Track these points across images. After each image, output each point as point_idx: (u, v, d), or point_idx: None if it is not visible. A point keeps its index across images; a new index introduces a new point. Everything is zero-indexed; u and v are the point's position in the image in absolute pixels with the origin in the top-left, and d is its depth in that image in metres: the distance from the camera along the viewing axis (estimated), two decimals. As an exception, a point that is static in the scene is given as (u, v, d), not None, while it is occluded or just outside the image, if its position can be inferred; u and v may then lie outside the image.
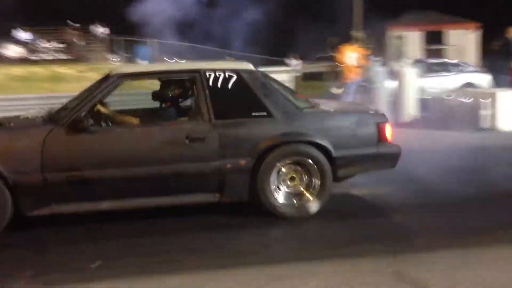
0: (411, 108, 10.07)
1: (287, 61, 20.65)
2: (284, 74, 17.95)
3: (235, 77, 4.64)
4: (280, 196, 4.55)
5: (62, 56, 22.36)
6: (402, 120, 9.75)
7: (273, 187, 4.51)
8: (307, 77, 21.24)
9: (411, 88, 10.13)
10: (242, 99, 4.62)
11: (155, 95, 5.27)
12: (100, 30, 23.59)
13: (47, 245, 4.14)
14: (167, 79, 5.14)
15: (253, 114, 4.55)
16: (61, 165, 4.26)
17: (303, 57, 23.24)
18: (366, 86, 9.94)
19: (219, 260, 3.67)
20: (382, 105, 9.16)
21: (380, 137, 4.71)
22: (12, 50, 21.66)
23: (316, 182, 4.57)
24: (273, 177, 4.50)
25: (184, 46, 22.48)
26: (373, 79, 9.81)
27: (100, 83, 4.66)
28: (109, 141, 4.44)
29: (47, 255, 3.94)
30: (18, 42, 22.34)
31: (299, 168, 4.60)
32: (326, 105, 5.27)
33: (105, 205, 4.39)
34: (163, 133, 4.51)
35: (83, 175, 4.28)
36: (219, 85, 4.61)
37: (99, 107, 4.63)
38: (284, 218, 4.50)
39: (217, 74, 4.63)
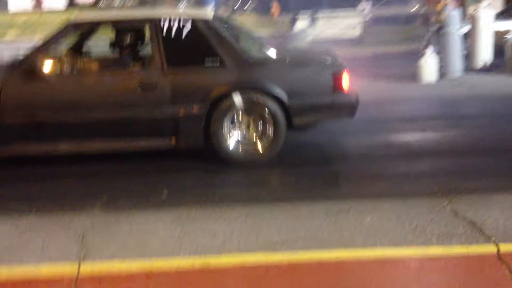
0: (485, 54, 9.42)
1: (360, 4, 19.21)
2: (352, 19, 17.86)
3: (189, 26, 4.64)
4: (233, 143, 4.59)
5: (132, 2, 22.40)
6: (475, 66, 9.39)
7: (226, 134, 4.54)
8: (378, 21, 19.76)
9: (486, 33, 9.39)
10: (195, 47, 4.63)
11: (112, 43, 5.22)
12: None
13: (116, 176, 4.52)
14: (122, 27, 5.06)
15: (206, 62, 4.56)
16: (16, 108, 4.48)
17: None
18: (439, 31, 9.22)
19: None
20: (455, 51, 8.86)
21: (336, 87, 4.65)
22: None
23: (270, 130, 4.58)
24: (226, 124, 4.54)
25: None
26: (446, 23, 9.01)
27: (55, 31, 4.70)
28: (61, 86, 4.56)
29: (117, 185, 4.29)
30: None
31: (253, 116, 4.60)
32: (287, 53, 5.29)
33: (63, 147, 4.53)
34: (116, 80, 4.58)
35: (38, 118, 4.43)
36: (172, 33, 4.61)
37: (59, 54, 4.79)
38: (236, 164, 4.58)
39: (171, 22, 4.62)
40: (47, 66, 4.58)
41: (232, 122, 4.61)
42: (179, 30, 4.63)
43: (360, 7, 18.78)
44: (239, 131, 4.66)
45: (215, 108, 4.52)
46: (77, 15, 4.88)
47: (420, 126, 5.94)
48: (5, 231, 3.37)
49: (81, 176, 4.52)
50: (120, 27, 5.10)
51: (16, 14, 21.43)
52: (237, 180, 4.45)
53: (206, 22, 4.71)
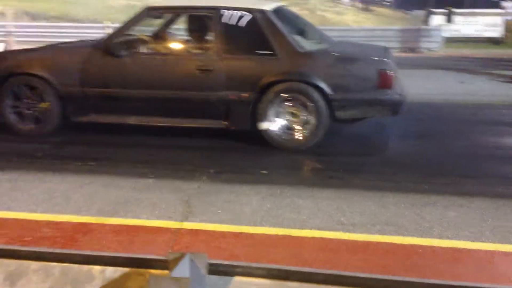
0: None
1: (503, 3, 18.51)
2: (493, 17, 16.96)
3: (247, 16, 4.97)
4: (277, 129, 4.91)
5: None
6: None
7: (271, 119, 4.88)
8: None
9: None
10: (251, 37, 4.97)
11: (181, 29, 5.70)
12: None
13: (225, 152, 4.99)
14: (190, 14, 5.48)
15: (259, 51, 4.91)
16: (94, 82, 5.09)
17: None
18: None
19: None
20: None
21: (381, 84, 4.78)
22: None
23: (312, 120, 4.85)
24: (272, 111, 4.86)
25: None
26: None
27: (133, 16, 5.24)
28: (131, 66, 5.09)
29: (225, 160, 4.75)
30: None
31: (298, 105, 4.86)
32: (340, 47, 5.43)
33: (131, 120, 5.17)
34: (177, 62, 5.07)
35: (111, 92, 5.09)
36: (231, 22, 4.96)
37: (136, 34, 5.36)
38: (278, 148, 4.91)
39: (231, 12, 4.98)
40: (121, 47, 5.11)
41: (278, 108, 4.86)
42: (238, 20, 4.95)
43: (503, 5, 17.68)
44: (284, 118, 4.91)
45: (263, 94, 4.82)
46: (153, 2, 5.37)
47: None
48: (126, 189, 3.95)
49: (196, 149, 5.03)
50: (188, 14, 5.51)
51: None
52: (329, 165, 4.62)
53: (263, 13, 4.97)
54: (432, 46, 15.71)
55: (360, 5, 22.48)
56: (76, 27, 16.94)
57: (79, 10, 21.51)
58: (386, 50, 5.45)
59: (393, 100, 4.89)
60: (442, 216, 3.45)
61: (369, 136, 5.55)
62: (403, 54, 14.59)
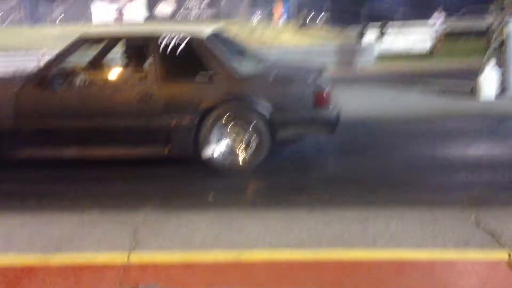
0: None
1: (432, 18, 18.40)
2: (423, 32, 17.57)
3: (184, 43, 5.04)
4: (219, 152, 4.96)
5: (208, 13, 23.66)
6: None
7: (213, 144, 4.92)
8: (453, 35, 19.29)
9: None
10: (188, 63, 5.01)
11: (117, 57, 5.70)
12: None
13: (167, 179, 4.97)
14: (126, 42, 5.51)
15: (197, 77, 4.95)
16: (29, 115, 4.98)
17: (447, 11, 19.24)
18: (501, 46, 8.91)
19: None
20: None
21: (316, 103, 4.96)
22: (164, 7, 23.40)
23: (253, 141, 4.94)
24: (213, 135, 4.90)
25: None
26: (508, 38, 8.81)
27: (68, 46, 5.19)
28: (67, 97, 5.02)
29: (167, 187, 4.72)
30: None
31: (238, 128, 4.95)
32: (276, 69, 5.53)
33: (70, 152, 5.07)
34: (114, 91, 5.05)
35: (48, 125, 4.99)
36: (169, 49, 5.02)
37: (70, 65, 5.26)
38: (223, 171, 4.95)
39: (168, 39, 5.05)
40: (56, 78, 5.01)
41: (220, 132, 4.94)
42: (176, 46, 5.03)
43: (431, 20, 18.56)
44: (226, 141, 4.98)
45: (204, 119, 4.88)
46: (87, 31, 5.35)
47: (465, 141, 6.01)
48: (70, 223, 3.86)
49: (139, 178, 4.99)
50: (124, 43, 5.54)
51: (97, 26, 22.98)
52: (274, 185, 4.72)
53: (199, 40, 5.08)
54: (366, 63, 16.26)
55: (296, 24, 22.99)
56: (8, 57, 16.42)
57: (9, 39, 20.89)
58: (320, 69, 5.63)
59: (329, 118, 5.07)
60: (385, 228, 3.56)
61: (309, 155, 5.68)
62: (338, 72, 15.02)
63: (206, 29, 5.35)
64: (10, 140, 5.06)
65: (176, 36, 5.06)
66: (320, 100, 4.97)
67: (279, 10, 23.87)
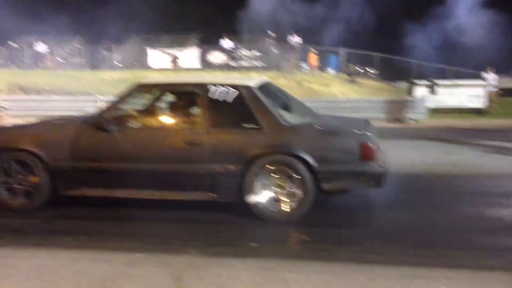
0: None
1: (483, 74, 19.16)
2: (476, 89, 17.52)
3: (233, 92, 5.19)
4: (264, 201, 5.01)
5: (258, 64, 24.37)
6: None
7: (258, 191, 4.98)
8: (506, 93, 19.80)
9: None
10: (237, 111, 5.15)
11: (170, 104, 5.92)
12: (295, 39, 25.18)
13: (213, 224, 5.02)
14: (178, 90, 5.75)
15: (245, 125, 5.06)
16: (85, 156, 5.20)
17: (500, 71, 20.40)
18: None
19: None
20: None
21: (363, 156, 4.96)
22: (216, 57, 24.33)
23: (298, 191, 4.96)
24: (258, 183, 4.98)
25: (373, 56, 23.36)
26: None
27: (124, 91, 5.44)
28: (121, 140, 5.21)
29: (213, 232, 4.79)
30: (222, 49, 24.90)
31: (284, 177, 5.00)
32: (323, 120, 5.65)
33: (120, 193, 5.23)
34: (165, 136, 5.21)
35: (102, 166, 5.19)
36: (217, 98, 5.18)
37: (126, 109, 5.53)
38: (266, 220, 4.97)
39: (218, 88, 5.21)
40: (112, 122, 5.24)
41: (265, 181, 4.99)
42: (224, 95, 5.17)
43: (484, 77, 18.35)
44: (270, 190, 5.03)
45: (250, 167, 4.96)
46: (143, 79, 5.57)
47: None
48: (116, 263, 3.97)
49: (185, 222, 5.07)
50: (176, 91, 5.78)
51: (153, 71, 23.95)
52: (317, 237, 4.66)
53: (248, 89, 5.21)
54: (417, 117, 16.12)
55: (346, 76, 23.17)
56: (69, 101, 17.23)
57: (71, 83, 21.94)
58: (367, 122, 5.66)
59: (376, 172, 5.03)
60: (429, 289, 3.48)
61: (355, 208, 5.63)
62: (389, 125, 14.94)
63: (254, 79, 5.52)
64: (66, 178, 5.30)
65: (225, 85, 5.23)
66: (367, 153, 4.97)
67: (314, 58, 24.22)
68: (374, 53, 24.23)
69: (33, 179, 5.29)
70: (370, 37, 25.15)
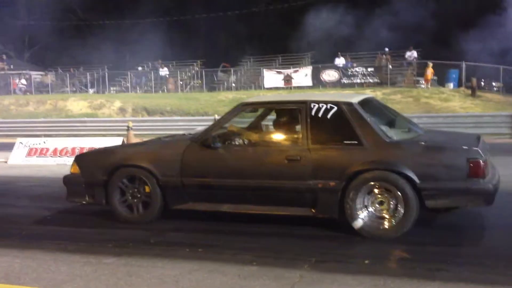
0: None
1: None
2: None
3: (334, 109, 5.20)
4: (365, 217, 4.94)
5: (372, 80, 24.40)
6: None
7: (359, 208, 4.93)
8: None
9: None
10: (338, 128, 5.14)
11: (272, 121, 6.00)
12: (413, 54, 25.17)
13: (322, 240, 5.03)
14: (281, 107, 5.81)
15: (346, 141, 5.02)
16: (193, 172, 5.44)
17: None
18: None
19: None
20: None
21: (471, 173, 4.68)
22: (329, 75, 24.85)
23: (401, 208, 4.82)
24: (359, 199, 4.93)
25: (496, 69, 22.17)
26: None
27: (229, 111, 5.67)
28: (226, 157, 5.40)
29: (324, 248, 4.79)
30: (335, 67, 25.46)
31: (386, 194, 4.89)
32: (428, 136, 5.49)
33: (225, 207, 5.42)
34: (268, 153, 5.30)
35: (208, 181, 5.40)
36: (319, 114, 5.21)
37: (230, 127, 5.73)
38: (367, 236, 4.90)
39: (319, 105, 5.24)
40: (217, 139, 5.44)
41: (366, 197, 4.90)
42: (326, 112, 5.17)
43: None
44: (371, 206, 4.92)
45: (351, 183, 4.86)
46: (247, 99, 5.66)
47: None
48: (231, 275, 4.11)
49: (296, 237, 5.12)
50: (278, 109, 5.84)
51: (265, 90, 24.70)
52: (429, 257, 4.44)
53: (350, 105, 5.14)
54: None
55: (467, 91, 22.01)
56: (187, 120, 18.16)
57: (190, 104, 23.12)
58: (478, 138, 5.37)
59: (486, 189, 4.74)
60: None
61: (462, 225, 5.36)
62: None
63: (356, 96, 5.48)
64: (175, 193, 5.59)
65: (327, 102, 5.26)
66: (475, 169, 4.70)
67: (430, 73, 23.21)
68: (498, 66, 22.74)
69: (148, 189, 5.64)
70: (494, 49, 23.60)
